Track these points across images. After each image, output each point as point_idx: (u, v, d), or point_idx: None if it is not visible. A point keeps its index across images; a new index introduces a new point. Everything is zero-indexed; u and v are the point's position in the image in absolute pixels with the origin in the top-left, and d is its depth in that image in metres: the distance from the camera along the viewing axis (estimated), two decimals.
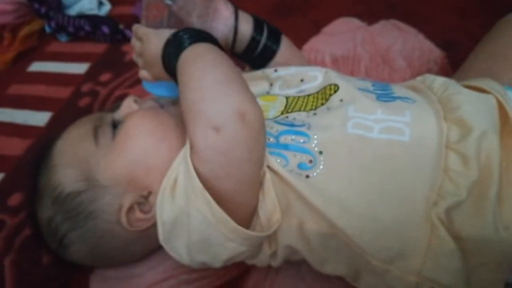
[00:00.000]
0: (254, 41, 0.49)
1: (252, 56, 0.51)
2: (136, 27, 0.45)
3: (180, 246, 0.38)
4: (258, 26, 0.50)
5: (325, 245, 0.38)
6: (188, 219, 0.36)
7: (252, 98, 0.36)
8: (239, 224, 0.36)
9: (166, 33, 0.41)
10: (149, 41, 0.42)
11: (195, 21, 0.45)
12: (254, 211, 0.38)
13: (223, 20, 0.47)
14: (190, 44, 0.39)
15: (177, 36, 0.40)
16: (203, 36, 0.40)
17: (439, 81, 0.43)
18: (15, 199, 0.60)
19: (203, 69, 0.36)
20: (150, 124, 0.42)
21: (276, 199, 0.37)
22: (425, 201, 0.36)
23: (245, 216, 0.38)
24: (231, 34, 0.48)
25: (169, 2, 0.43)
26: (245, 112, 0.34)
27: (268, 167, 0.38)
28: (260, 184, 0.38)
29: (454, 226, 0.35)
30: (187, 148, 0.36)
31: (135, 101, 0.45)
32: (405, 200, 0.36)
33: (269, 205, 0.37)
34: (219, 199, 0.35)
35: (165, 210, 0.37)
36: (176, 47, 0.39)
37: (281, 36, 0.51)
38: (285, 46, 0.52)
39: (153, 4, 0.43)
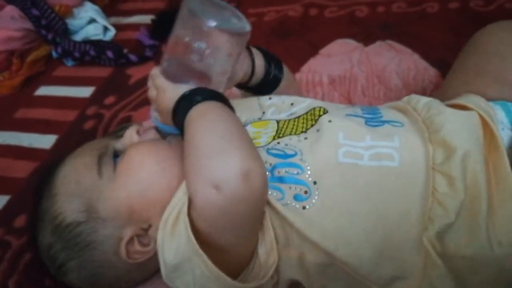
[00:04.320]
0: (267, 73, 0.50)
1: (263, 87, 0.51)
2: (153, 74, 0.44)
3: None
4: (266, 56, 0.50)
5: (324, 274, 0.39)
6: (191, 268, 0.36)
7: (256, 154, 0.35)
8: (238, 265, 0.37)
9: (181, 89, 0.40)
10: (164, 94, 0.42)
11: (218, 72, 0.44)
12: (254, 252, 0.38)
13: (241, 59, 0.48)
14: (200, 101, 0.38)
15: (190, 94, 0.40)
16: (215, 96, 0.40)
17: (423, 101, 0.43)
18: (20, 221, 0.60)
19: (207, 125, 0.36)
20: (151, 157, 0.43)
21: (274, 240, 0.37)
22: (418, 225, 0.37)
23: (245, 259, 0.38)
24: (249, 70, 0.49)
25: (195, 58, 0.41)
26: (248, 170, 0.32)
27: (268, 204, 0.38)
28: (260, 225, 0.38)
29: (449, 248, 0.36)
30: (185, 202, 0.36)
31: (137, 132, 0.46)
32: (399, 225, 0.37)
33: (267, 245, 0.38)
34: (218, 249, 0.35)
35: (166, 252, 0.37)
36: (187, 104, 0.39)
37: (282, 64, 0.53)
38: (285, 72, 0.53)
39: (181, 42, 0.42)
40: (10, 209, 0.63)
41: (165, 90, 0.42)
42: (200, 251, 0.34)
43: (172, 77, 0.43)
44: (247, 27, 0.43)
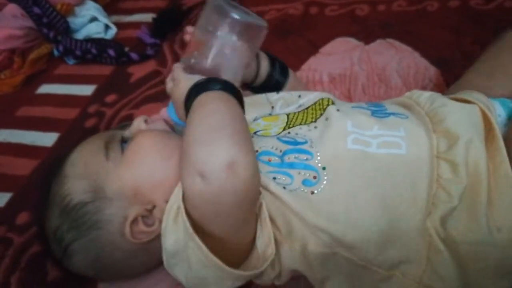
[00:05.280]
0: (270, 77, 0.52)
1: (264, 89, 0.53)
2: (174, 66, 0.46)
3: (179, 275, 0.39)
4: (271, 62, 0.53)
5: (326, 265, 0.39)
6: (187, 256, 0.37)
7: (246, 147, 0.35)
8: (237, 257, 0.38)
9: (194, 79, 0.41)
10: (179, 84, 0.43)
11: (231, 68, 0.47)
12: (252, 243, 0.39)
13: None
14: (207, 90, 0.39)
15: (203, 83, 0.40)
16: (228, 87, 0.40)
17: (425, 95, 0.45)
18: (22, 218, 0.61)
19: (203, 114, 0.37)
20: (158, 141, 0.44)
21: (271, 232, 0.38)
22: (423, 211, 0.37)
23: (242, 250, 0.38)
24: (254, 71, 0.52)
25: (227, 52, 0.45)
26: (233, 162, 0.33)
27: (270, 191, 0.38)
28: (256, 216, 0.38)
29: (450, 233, 0.37)
30: (180, 191, 0.36)
31: (145, 121, 0.47)
32: (406, 211, 0.38)
33: (265, 237, 0.38)
34: (214, 238, 0.36)
35: (167, 239, 0.38)
36: (196, 93, 0.40)
37: (288, 70, 0.54)
38: (291, 79, 0.54)
39: (199, 43, 0.45)
40: (12, 206, 0.64)
41: (180, 80, 0.43)
42: (194, 236, 0.34)
43: (191, 71, 0.45)
44: (265, 23, 0.47)
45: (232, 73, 0.45)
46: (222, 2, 0.44)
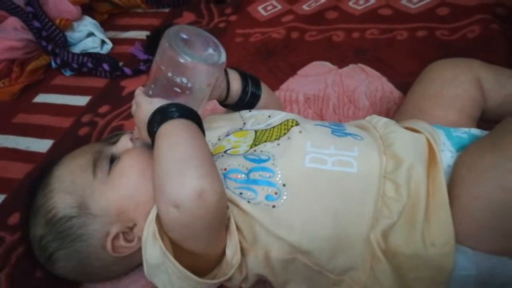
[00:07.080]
0: (244, 92, 0.55)
1: (241, 105, 0.56)
2: (136, 93, 0.48)
3: (159, 284, 0.44)
4: (243, 77, 0.55)
5: (287, 269, 0.44)
6: (166, 268, 0.41)
7: (211, 174, 0.38)
8: (210, 264, 0.43)
9: (156, 104, 0.43)
10: (141, 108, 0.45)
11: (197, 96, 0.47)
12: (223, 251, 0.43)
13: (217, 82, 0.51)
14: (172, 118, 0.41)
15: (163, 109, 0.43)
16: (187, 113, 0.42)
17: (382, 121, 0.50)
18: (14, 218, 0.65)
19: (169, 147, 0.40)
20: (142, 164, 0.47)
21: (238, 243, 0.42)
22: (369, 224, 0.42)
23: (214, 259, 0.43)
24: (224, 91, 0.54)
25: (178, 90, 0.45)
26: (201, 190, 0.36)
27: (237, 205, 0.43)
28: (226, 228, 0.42)
29: (391, 245, 0.42)
30: (154, 211, 0.40)
31: (131, 139, 0.51)
32: (354, 223, 0.43)
33: (233, 247, 0.42)
34: (189, 252, 0.40)
35: (148, 253, 0.41)
36: (159, 120, 0.42)
37: (260, 82, 0.58)
38: (264, 90, 0.58)
39: (160, 71, 0.44)
40: (5, 207, 0.68)
41: (142, 104, 0.45)
42: (168, 255, 0.39)
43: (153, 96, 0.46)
44: (223, 57, 0.45)
45: (189, 105, 0.44)
46: (176, 37, 0.43)
